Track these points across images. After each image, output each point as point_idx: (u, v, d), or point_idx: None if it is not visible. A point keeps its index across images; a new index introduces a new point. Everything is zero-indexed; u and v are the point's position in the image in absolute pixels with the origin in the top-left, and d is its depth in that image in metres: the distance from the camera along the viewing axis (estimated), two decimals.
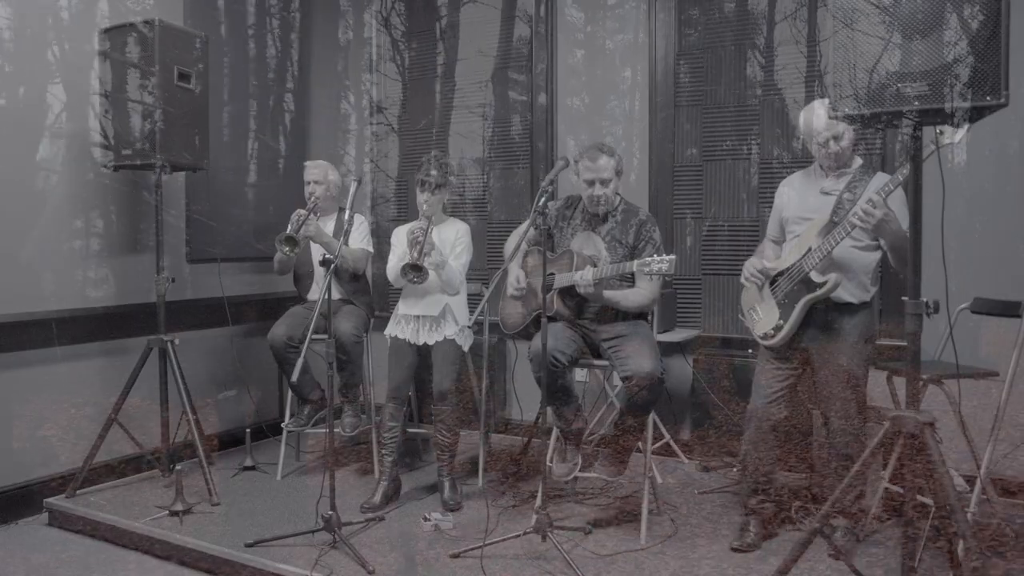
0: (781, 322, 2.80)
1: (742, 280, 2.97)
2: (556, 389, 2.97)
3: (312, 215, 3.50)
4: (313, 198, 3.66)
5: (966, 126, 2.11)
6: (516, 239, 3.18)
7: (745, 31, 3.93)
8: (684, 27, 4.07)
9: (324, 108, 4.92)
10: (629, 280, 3.06)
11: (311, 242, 3.61)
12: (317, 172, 3.74)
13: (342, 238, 3.21)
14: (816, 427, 3.39)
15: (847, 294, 2.75)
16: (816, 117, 2.76)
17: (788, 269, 2.81)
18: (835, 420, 2.80)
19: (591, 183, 3.02)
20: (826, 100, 2.31)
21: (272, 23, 4.57)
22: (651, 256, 2.98)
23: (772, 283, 2.87)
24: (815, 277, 2.71)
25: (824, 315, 2.78)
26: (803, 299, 2.74)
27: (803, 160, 3.61)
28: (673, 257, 2.73)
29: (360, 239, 3.74)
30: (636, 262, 2.82)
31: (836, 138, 2.74)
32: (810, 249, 2.73)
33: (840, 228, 2.64)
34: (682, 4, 4.06)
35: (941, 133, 2.16)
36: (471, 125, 4.69)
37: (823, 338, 2.80)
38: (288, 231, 3.44)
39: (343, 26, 5.03)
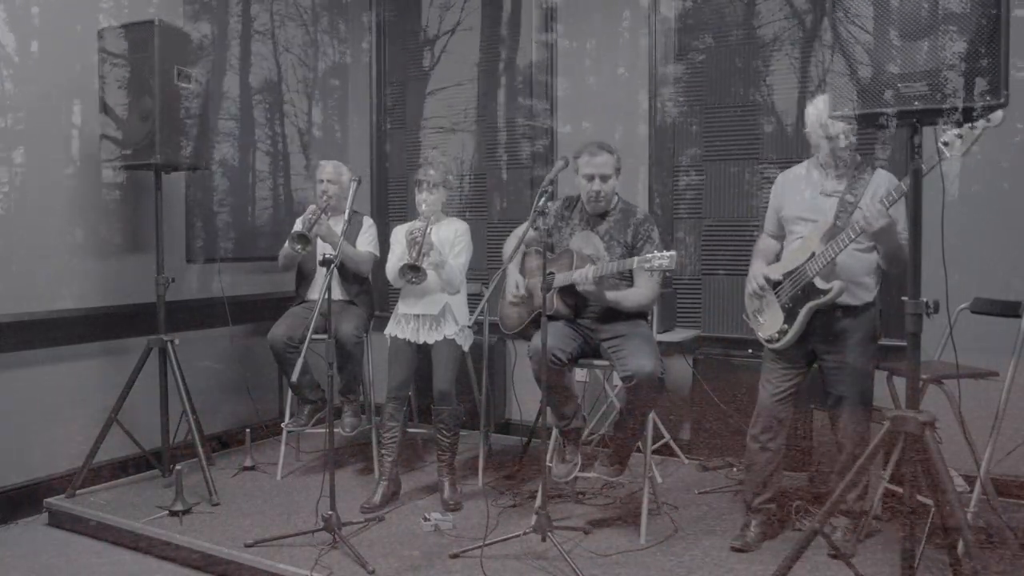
0: (786, 327, 2.80)
1: (748, 291, 2.95)
2: (556, 387, 2.97)
3: (324, 214, 3.51)
4: (325, 197, 3.67)
5: (971, 140, 2.11)
6: (514, 241, 3.17)
7: (745, 30, 3.93)
8: (684, 27, 4.06)
9: (325, 107, 4.92)
10: (628, 279, 3.06)
11: (320, 241, 3.62)
12: (331, 172, 3.75)
13: (342, 237, 3.22)
14: (816, 427, 3.39)
15: (850, 296, 2.74)
16: (826, 112, 2.74)
17: (792, 273, 2.79)
18: (842, 421, 2.80)
19: (591, 178, 3.01)
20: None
21: (272, 23, 4.56)
22: (651, 253, 3.00)
23: (776, 286, 2.86)
24: (819, 284, 2.70)
25: (828, 317, 2.77)
26: (807, 305, 2.74)
27: (801, 158, 3.61)
28: (673, 253, 2.71)
29: (368, 242, 3.76)
30: (637, 259, 2.80)
31: (846, 134, 2.70)
32: (814, 254, 2.72)
33: (844, 235, 2.62)
34: (682, 3, 4.05)
35: (946, 144, 2.16)
36: (470, 125, 4.69)
37: (828, 340, 2.79)
38: (300, 228, 3.45)
39: (344, 26, 5.03)
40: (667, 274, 2.84)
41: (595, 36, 4.28)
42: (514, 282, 3.18)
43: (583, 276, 2.89)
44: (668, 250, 2.75)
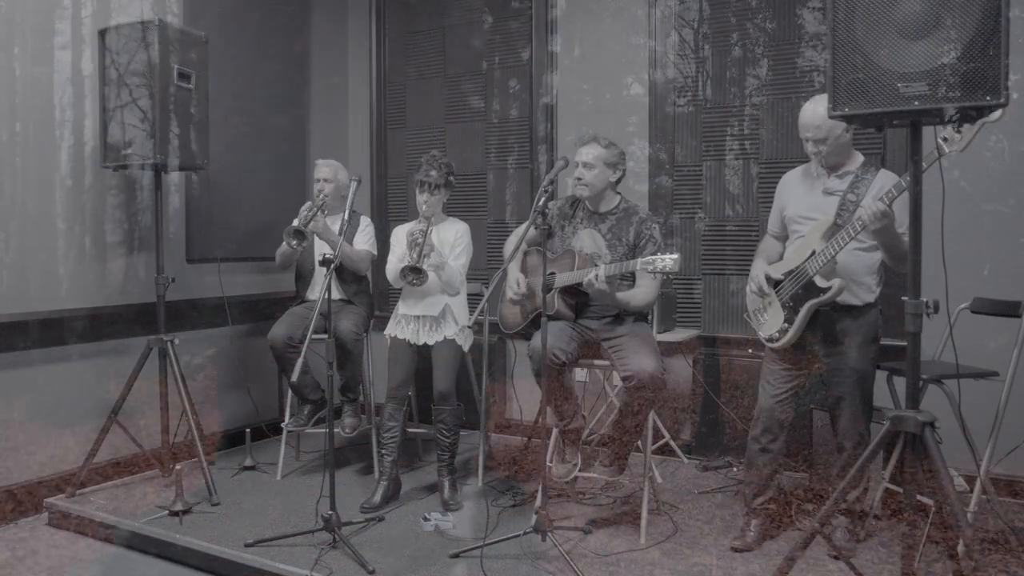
0: (786, 325, 2.79)
1: (749, 289, 2.95)
2: (555, 387, 2.97)
3: (320, 212, 3.51)
4: (322, 195, 3.67)
5: (970, 136, 2.11)
6: (515, 239, 3.18)
7: (745, 30, 3.92)
8: (684, 26, 4.06)
9: (325, 107, 4.92)
10: (630, 279, 3.06)
11: (316, 239, 3.62)
12: (328, 171, 3.76)
13: (342, 236, 3.21)
14: (816, 427, 3.39)
15: (852, 296, 2.74)
16: (806, 113, 2.74)
17: (793, 272, 2.79)
18: (843, 421, 2.80)
19: (576, 165, 3.10)
20: (826, 96, 2.29)
21: (273, 23, 4.56)
22: (653, 254, 2.99)
23: (777, 285, 2.86)
24: (819, 282, 2.70)
25: (830, 317, 2.77)
26: (808, 303, 2.73)
27: (803, 159, 3.61)
28: (677, 255, 2.68)
29: (365, 241, 3.77)
30: (640, 260, 2.78)
31: (817, 141, 2.70)
32: (814, 252, 2.71)
33: (844, 232, 2.62)
34: (682, 3, 4.06)
35: (945, 140, 2.15)
36: (470, 125, 4.69)
37: (829, 340, 2.79)
38: (296, 224, 3.46)
39: (344, 25, 5.03)
40: (669, 276, 2.82)
41: (596, 36, 4.28)
42: (515, 279, 3.18)
43: (592, 278, 2.84)
44: (671, 252, 2.73)
